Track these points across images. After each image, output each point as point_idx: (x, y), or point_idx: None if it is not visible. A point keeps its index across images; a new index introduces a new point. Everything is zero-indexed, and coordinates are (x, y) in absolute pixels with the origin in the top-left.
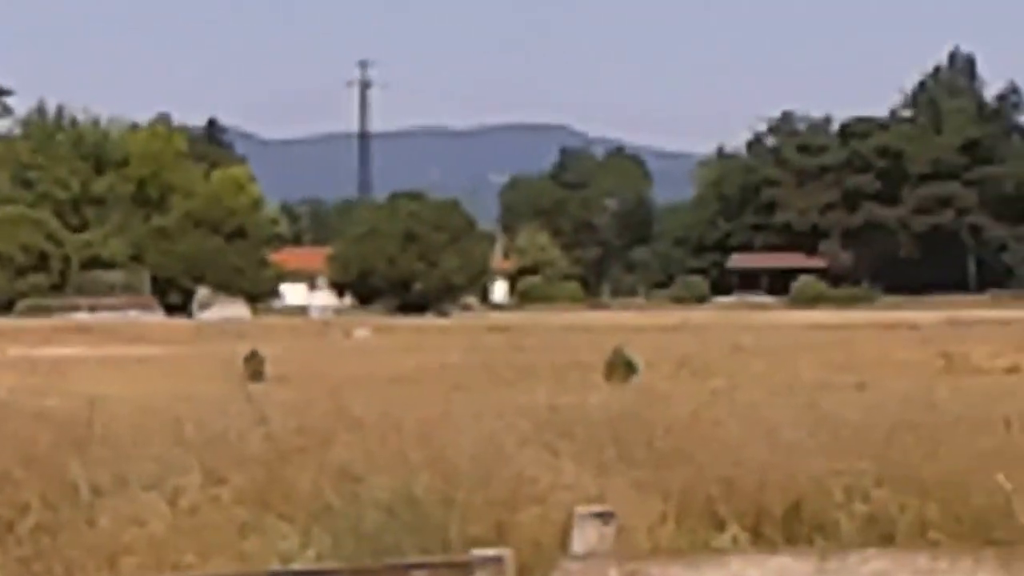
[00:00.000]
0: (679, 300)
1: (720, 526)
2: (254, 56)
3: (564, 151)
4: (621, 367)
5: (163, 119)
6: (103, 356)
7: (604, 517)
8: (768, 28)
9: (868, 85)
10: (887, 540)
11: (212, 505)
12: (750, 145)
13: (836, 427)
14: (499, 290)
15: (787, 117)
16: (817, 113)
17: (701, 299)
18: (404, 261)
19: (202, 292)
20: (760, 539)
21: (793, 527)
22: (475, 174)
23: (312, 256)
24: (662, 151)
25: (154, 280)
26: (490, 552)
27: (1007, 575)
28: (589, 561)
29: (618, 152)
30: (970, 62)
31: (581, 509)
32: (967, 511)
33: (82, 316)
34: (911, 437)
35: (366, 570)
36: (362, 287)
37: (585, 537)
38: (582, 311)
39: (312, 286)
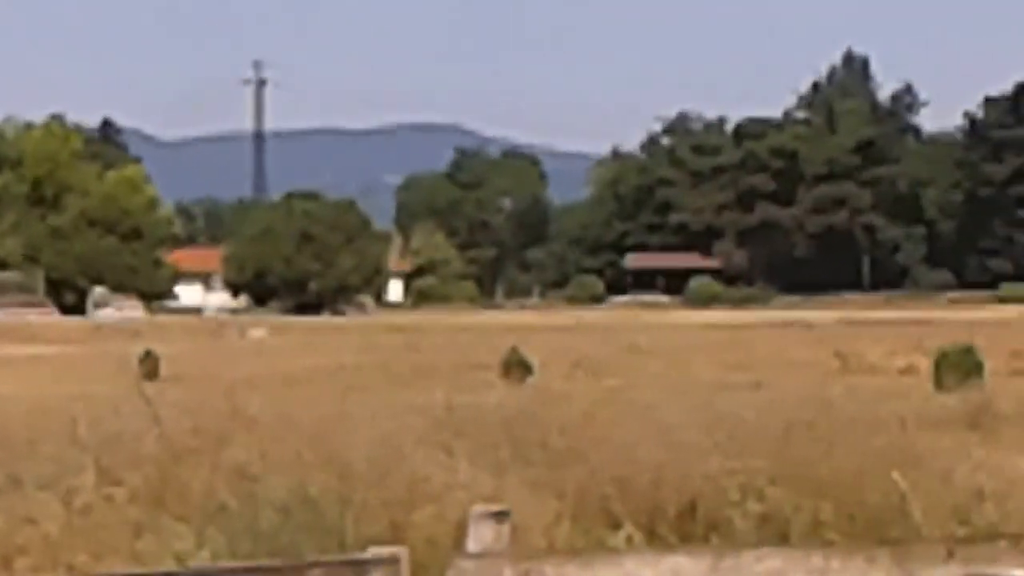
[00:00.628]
0: (574, 300)
1: (615, 525)
2: (149, 56)
3: (459, 151)
4: (517, 367)
5: (57, 119)
6: None
7: (499, 516)
8: (663, 28)
9: (763, 86)
10: (782, 539)
11: (106, 505)
12: (645, 145)
13: (731, 426)
14: (394, 290)
15: (682, 118)
16: (712, 114)
17: (596, 299)
18: (299, 261)
19: (97, 292)
20: (655, 538)
21: (688, 526)
22: (370, 174)
23: (207, 256)
24: (558, 151)
25: (49, 280)
26: (385, 551)
27: (900, 573)
28: (483, 560)
29: (513, 152)
30: (864, 63)
31: (476, 508)
32: (862, 510)
33: None
34: (806, 436)
35: (260, 569)
36: (258, 287)
37: (480, 536)
38: (477, 311)
39: (208, 286)
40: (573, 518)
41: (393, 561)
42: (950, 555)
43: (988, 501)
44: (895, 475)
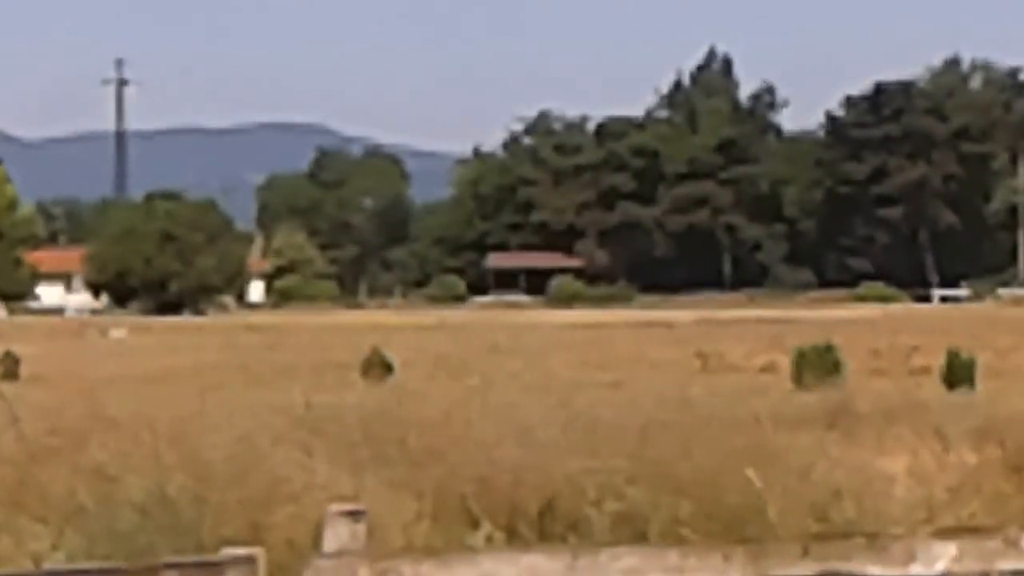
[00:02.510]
0: (436, 300)
1: (474, 524)
2: (9, 55)
3: (320, 150)
4: (378, 366)
5: None
6: None
7: (355, 515)
8: (524, 27)
9: (625, 85)
10: (640, 537)
11: None
12: (507, 145)
13: (590, 425)
14: (256, 290)
15: (544, 117)
16: (574, 113)
17: (458, 299)
18: (161, 261)
19: None
20: (514, 537)
21: (547, 525)
22: (231, 173)
23: (68, 256)
24: (419, 151)
25: None
26: (241, 551)
27: (756, 572)
28: (340, 559)
29: (375, 151)
30: (726, 62)
31: (332, 507)
32: (720, 508)
33: None
34: (665, 435)
35: (116, 570)
36: (119, 287)
37: (336, 535)
38: (339, 311)
39: (68, 286)
40: (432, 517)
41: (249, 561)
42: (805, 552)
43: (845, 499)
44: (750, 473)
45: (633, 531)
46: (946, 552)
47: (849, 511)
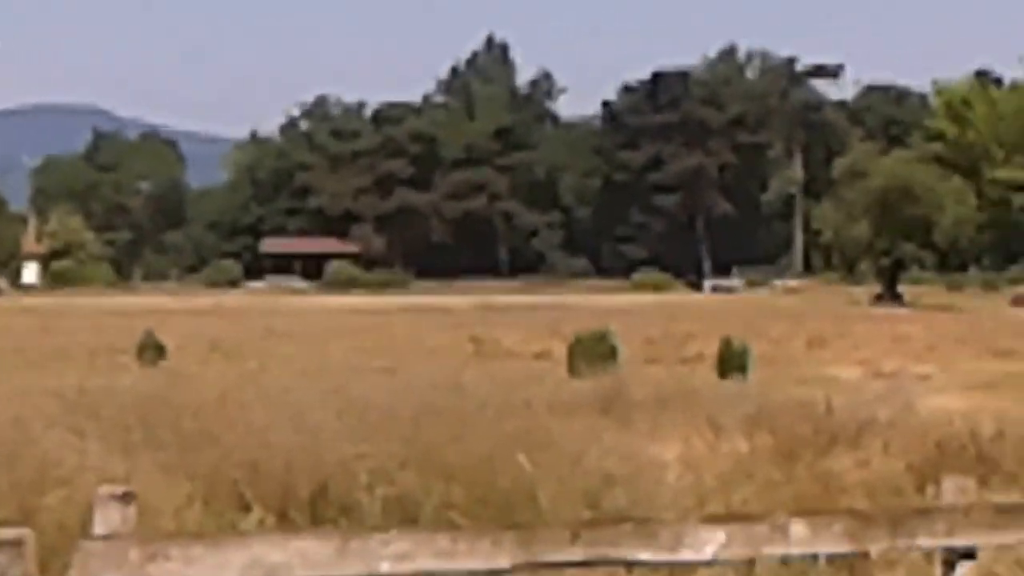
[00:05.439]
0: (212, 284)
1: (247, 508)
2: None
3: (97, 133)
4: (152, 350)
5: None
6: None
7: (124, 497)
8: (303, 11)
9: (403, 71)
10: (411, 522)
11: None
12: (284, 130)
13: (364, 410)
14: (30, 272)
15: (321, 102)
16: (351, 98)
17: (234, 283)
18: None
19: None
20: (286, 521)
21: (320, 509)
22: (6, 155)
23: None
24: (196, 134)
25: None
26: (8, 532)
27: (526, 556)
28: (110, 543)
29: (151, 134)
30: (504, 49)
31: (101, 489)
32: (492, 494)
33: None
34: (438, 421)
35: None
36: None
37: (106, 518)
38: (114, 294)
39: None
40: (204, 501)
41: (16, 544)
42: (575, 538)
43: (617, 485)
44: (521, 458)
45: (405, 516)
46: (714, 538)
47: (620, 497)
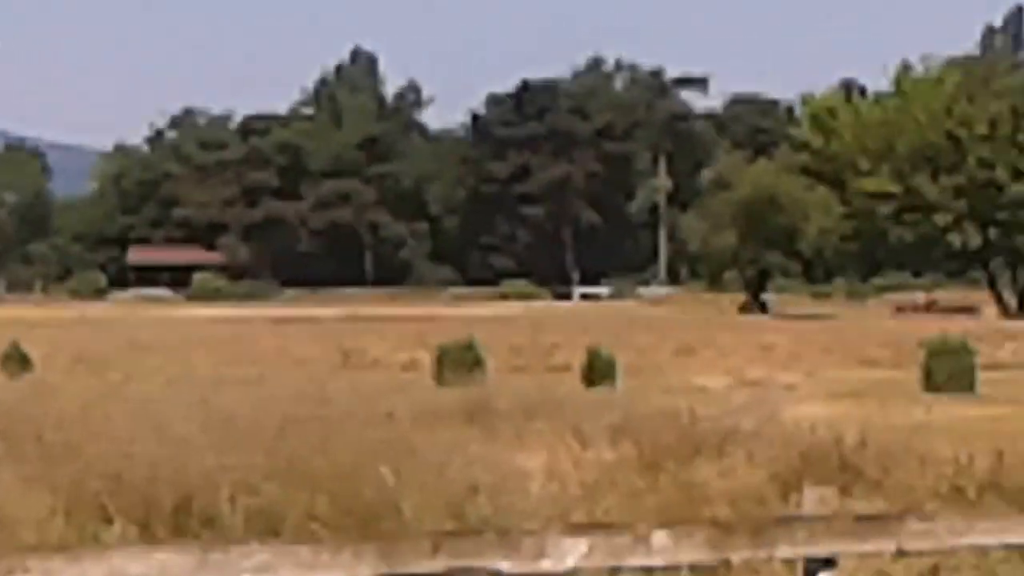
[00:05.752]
0: (78, 295)
1: (109, 520)
2: None
3: None
4: (16, 361)
5: None
6: None
7: None
8: (170, 22)
9: (270, 82)
10: (274, 534)
11: None
12: (150, 140)
13: (229, 421)
14: None
15: (188, 112)
16: (218, 109)
17: (100, 294)
18: None
19: None
20: (149, 533)
21: (183, 522)
22: None
23: None
24: (61, 144)
25: None
26: None
27: (387, 567)
28: None
29: (15, 145)
30: (371, 59)
31: None
32: (357, 504)
33: None
34: (303, 431)
35: None
36: None
37: None
38: None
39: None
40: (66, 513)
41: None
42: (436, 548)
43: (481, 495)
44: (383, 469)
45: (267, 527)
46: (576, 548)
47: (484, 507)
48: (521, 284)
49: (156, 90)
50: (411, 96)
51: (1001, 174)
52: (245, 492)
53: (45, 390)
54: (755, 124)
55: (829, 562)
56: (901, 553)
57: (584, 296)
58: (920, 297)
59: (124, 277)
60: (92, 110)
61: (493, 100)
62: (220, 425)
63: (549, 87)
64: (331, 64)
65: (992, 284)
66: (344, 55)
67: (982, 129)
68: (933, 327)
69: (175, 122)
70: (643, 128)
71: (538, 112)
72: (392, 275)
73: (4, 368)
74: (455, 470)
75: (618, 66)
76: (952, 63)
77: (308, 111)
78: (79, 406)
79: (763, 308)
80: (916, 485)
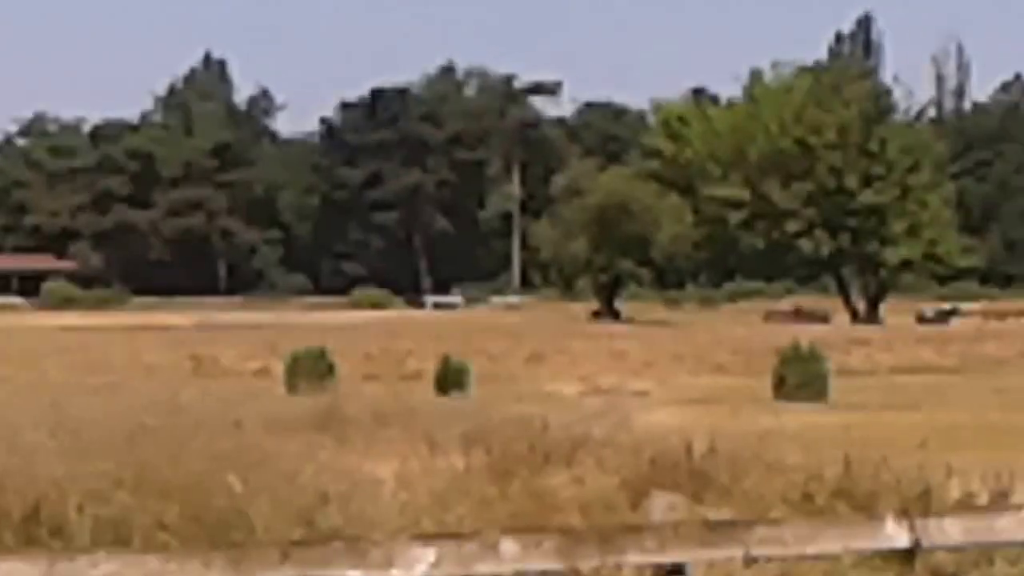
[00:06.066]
0: None
1: None
2: None
3: None
4: None
5: None
6: None
7: None
8: (16, 29)
9: (121, 88)
10: (124, 543)
11: None
12: (0, 147)
13: (79, 429)
14: None
15: (39, 119)
16: (69, 115)
17: None
18: None
19: None
20: None
21: (31, 530)
22: None
23: None
24: None
25: None
26: None
27: (236, 575)
28: None
29: None
30: (222, 65)
31: None
32: (206, 513)
33: None
34: (154, 439)
35: None
36: None
37: None
38: None
39: None
40: None
41: None
42: (285, 557)
43: (332, 503)
44: (231, 478)
45: (117, 537)
46: (425, 556)
47: (335, 516)
48: (373, 291)
49: (5, 96)
50: (263, 102)
51: (851, 181)
52: (95, 501)
53: None
54: (607, 131)
55: (678, 570)
56: (750, 560)
57: (438, 304)
58: (787, 305)
59: None
60: None
61: (345, 107)
62: (70, 433)
63: (400, 94)
64: (182, 70)
65: (843, 290)
66: (195, 61)
67: (832, 136)
68: (786, 334)
69: (26, 128)
70: (495, 135)
71: (390, 119)
72: (245, 283)
73: None
74: (305, 478)
75: (469, 73)
76: (803, 70)
77: (159, 118)
78: None
79: (616, 315)
80: (766, 492)
